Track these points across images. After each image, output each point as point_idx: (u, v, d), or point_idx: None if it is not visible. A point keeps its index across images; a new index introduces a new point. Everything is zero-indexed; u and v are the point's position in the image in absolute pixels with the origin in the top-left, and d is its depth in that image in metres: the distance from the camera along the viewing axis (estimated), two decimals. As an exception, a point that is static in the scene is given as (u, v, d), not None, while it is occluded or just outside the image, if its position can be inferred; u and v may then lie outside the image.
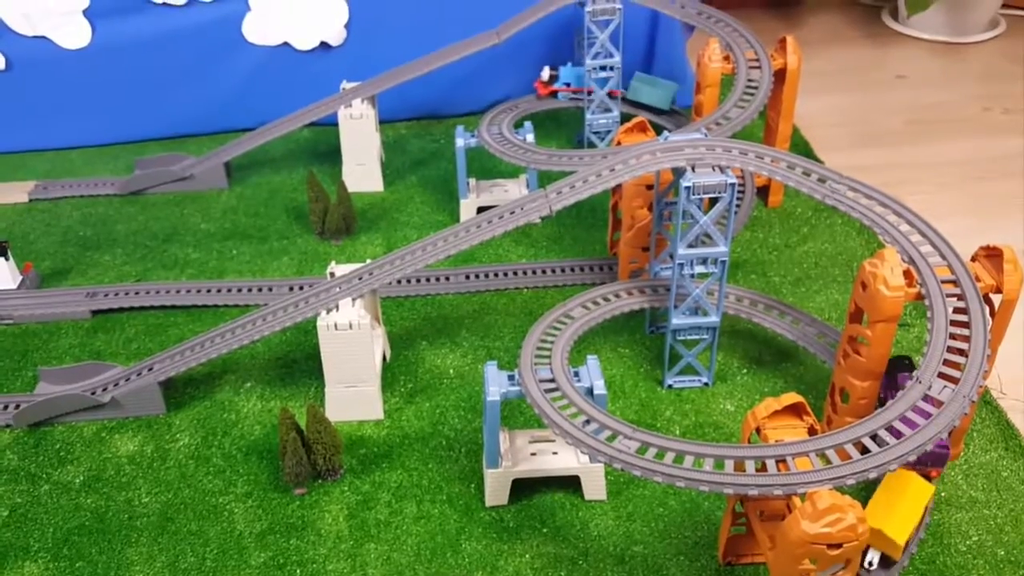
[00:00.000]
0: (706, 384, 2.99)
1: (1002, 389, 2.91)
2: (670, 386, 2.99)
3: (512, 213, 2.78)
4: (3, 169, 4.32)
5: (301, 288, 3.25)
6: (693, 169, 2.63)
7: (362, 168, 4.06)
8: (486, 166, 4.09)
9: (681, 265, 2.73)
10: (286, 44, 4.31)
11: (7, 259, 3.42)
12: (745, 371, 3.05)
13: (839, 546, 1.88)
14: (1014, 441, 2.72)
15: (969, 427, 2.70)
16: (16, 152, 4.44)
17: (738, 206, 3.74)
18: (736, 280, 3.40)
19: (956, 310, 2.30)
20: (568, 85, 4.11)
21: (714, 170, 2.62)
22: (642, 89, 4.10)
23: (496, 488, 2.60)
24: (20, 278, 3.49)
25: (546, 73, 4.16)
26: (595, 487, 2.62)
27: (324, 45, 4.32)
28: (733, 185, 2.59)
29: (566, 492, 2.65)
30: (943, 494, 2.59)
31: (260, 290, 3.45)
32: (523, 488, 2.64)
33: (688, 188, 2.58)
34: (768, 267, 3.51)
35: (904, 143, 4.38)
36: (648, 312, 3.15)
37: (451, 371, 3.09)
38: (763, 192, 3.87)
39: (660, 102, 4.10)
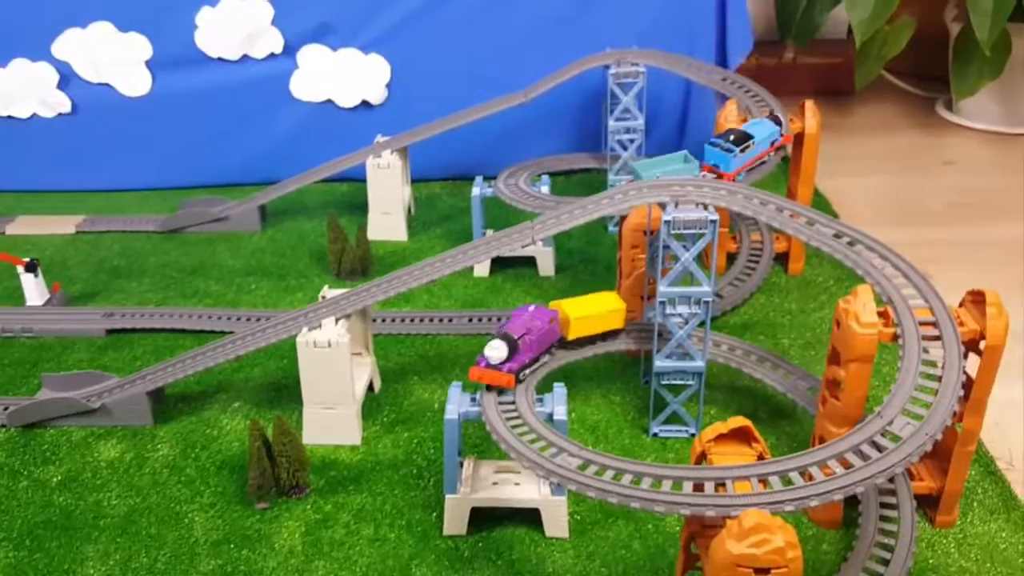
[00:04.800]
0: (692, 435, 2.88)
1: (1011, 461, 2.72)
2: (655, 435, 2.89)
3: (498, 241, 2.79)
4: (59, 204, 4.57)
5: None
6: (676, 205, 2.61)
7: (387, 218, 4.15)
8: (509, 218, 4.13)
9: (663, 303, 2.68)
10: (329, 101, 4.50)
11: (36, 276, 3.59)
12: (738, 427, 2.93)
13: (767, 572, 1.75)
14: (1017, 513, 2.52)
15: (962, 492, 2.50)
16: (72, 191, 4.70)
17: (753, 268, 3.67)
18: (743, 340, 3.29)
19: (931, 348, 2.19)
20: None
21: (696, 207, 2.60)
22: None
23: (454, 515, 2.53)
24: (47, 296, 3.66)
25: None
26: (556, 523, 2.52)
27: (365, 103, 4.50)
28: (715, 222, 2.55)
29: (528, 527, 2.56)
30: (931, 561, 2.40)
31: (268, 320, 3.50)
32: (485, 520, 2.56)
33: (668, 222, 2.56)
34: (779, 330, 3.40)
35: (942, 223, 4.24)
36: (643, 362, 3.08)
37: (436, 405, 3.06)
38: (783, 259, 3.78)
39: None
